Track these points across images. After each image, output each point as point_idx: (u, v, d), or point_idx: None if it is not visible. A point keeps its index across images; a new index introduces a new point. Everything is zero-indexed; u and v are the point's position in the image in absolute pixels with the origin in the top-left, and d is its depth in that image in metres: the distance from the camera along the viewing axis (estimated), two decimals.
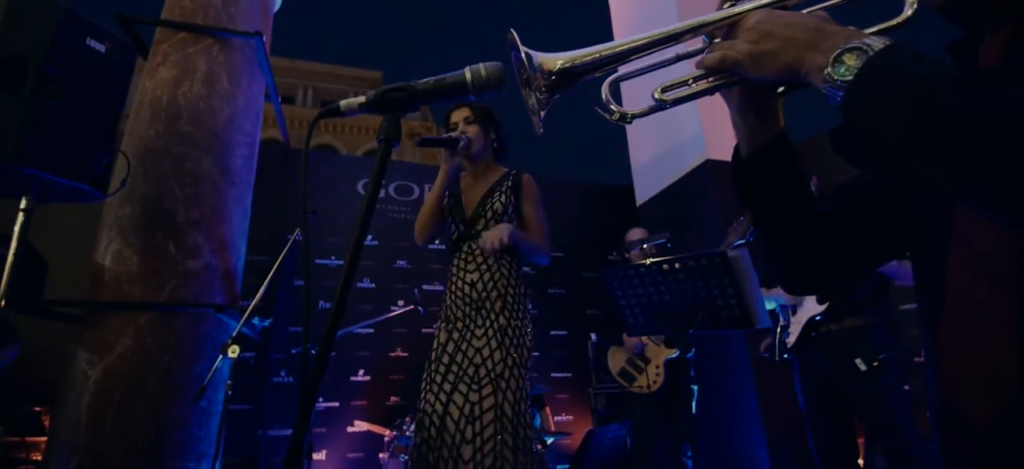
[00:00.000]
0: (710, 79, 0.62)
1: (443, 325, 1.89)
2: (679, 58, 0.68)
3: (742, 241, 2.57)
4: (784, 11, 0.58)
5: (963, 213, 0.57)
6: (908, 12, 0.56)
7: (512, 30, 0.62)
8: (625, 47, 0.62)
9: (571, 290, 4.79)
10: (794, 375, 2.42)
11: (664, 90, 0.63)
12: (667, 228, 3.20)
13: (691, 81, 0.63)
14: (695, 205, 3.86)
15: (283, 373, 3.85)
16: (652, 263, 1.87)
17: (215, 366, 2.03)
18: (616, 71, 0.64)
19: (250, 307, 2.20)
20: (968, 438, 0.54)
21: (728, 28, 0.60)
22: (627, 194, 4.88)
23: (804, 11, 0.59)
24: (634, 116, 0.64)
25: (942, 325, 0.58)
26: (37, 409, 2.92)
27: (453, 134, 1.91)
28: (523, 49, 0.60)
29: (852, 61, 0.48)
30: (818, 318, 2.30)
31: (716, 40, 0.63)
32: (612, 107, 0.63)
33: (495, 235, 1.80)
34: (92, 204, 2.43)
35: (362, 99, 0.63)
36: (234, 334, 2.11)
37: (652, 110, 0.64)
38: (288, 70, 21.17)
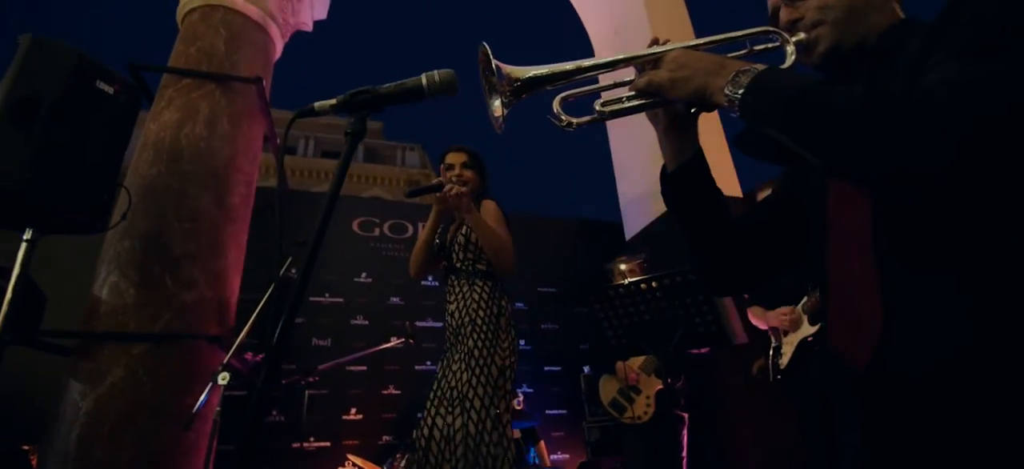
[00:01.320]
0: (639, 99, 0.78)
1: (441, 359, 2.00)
2: (616, 84, 0.83)
3: None
4: (695, 50, 0.75)
5: (834, 204, 0.72)
6: (789, 61, 0.76)
7: (484, 43, 0.76)
8: (573, 67, 0.77)
9: (563, 325, 4.81)
10: (790, 396, 2.43)
11: (603, 104, 0.79)
12: (656, 262, 3.27)
13: (625, 99, 0.79)
14: (681, 238, 3.94)
15: (275, 411, 3.83)
16: (631, 283, 1.94)
17: (205, 392, 2.05)
18: (564, 89, 0.78)
19: (241, 334, 2.24)
20: (853, 378, 0.67)
21: (654, 61, 0.77)
22: (616, 230, 4.97)
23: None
24: (578, 124, 0.78)
25: (830, 293, 0.73)
26: (26, 447, 2.90)
27: (441, 179, 2.04)
28: (494, 61, 0.75)
29: (745, 80, 0.66)
30: (810, 339, 2.35)
31: (645, 70, 0.78)
32: (562, 117, 0.77)
33: (456, 190, 1.88)
34: (92, 241, 2.52)
35: (333, 101, 0.72)
36: (224, 362, 2.15)
37: (593, 120, 0.79)
38: (286, 121, 21.75)
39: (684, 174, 0.83)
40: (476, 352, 1.81)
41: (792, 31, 0.77)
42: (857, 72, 0.75)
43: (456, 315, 1.94)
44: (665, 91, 0.73)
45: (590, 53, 5.65)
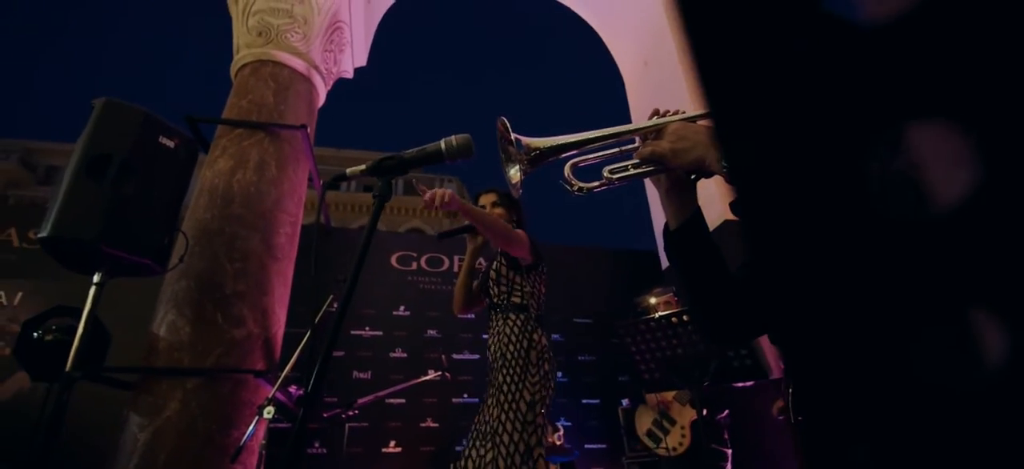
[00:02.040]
0: (643, 167, 0.85)
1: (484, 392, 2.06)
2: (621, 151, 0.91)
3: None
4: (694, 123, 0.83)
5: None
6: None
7: (503, 117, 0.84)
8: (584, 139, 0.85)
9: (600, 357, 4.74)
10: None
11: (612, 171, 0.86)
12: (677, 289, 3.21)
13: (630, 167, 0.86)
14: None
15: (317, 444, 3.93)
16: (662, 317, 1.92)
17: (252, 425, 2.15)
18: (575, 156, 0.86)
19: (284, 372, 2.35)
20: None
21: (656, 132, 0.84)
22: (652, 259, 4.91)
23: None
24: (589, 189, 0.86)
25: None
26: None
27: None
28: (513, 134, 0.83)
29: None
30: None
31: (648, 140, 0.85)
32: (573, 182, 0.85)
33: (436, 192, 1.84)
34: (151, 282, 2.72)
35: (362, 167, 0.79)
36: (270, 396, 2.25)
37: (601, 186, 0.86)
38: (334, 158, 22.79)
39: (685, 232, 0.89)
40: (505, 387, 1.84)
41: None
42: None
43: (492, 349, 2.00)
44: (667, 160, 0.80)
45: (621, 84, 5.71)
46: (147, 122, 2.14)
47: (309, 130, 3.41)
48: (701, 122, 0.82)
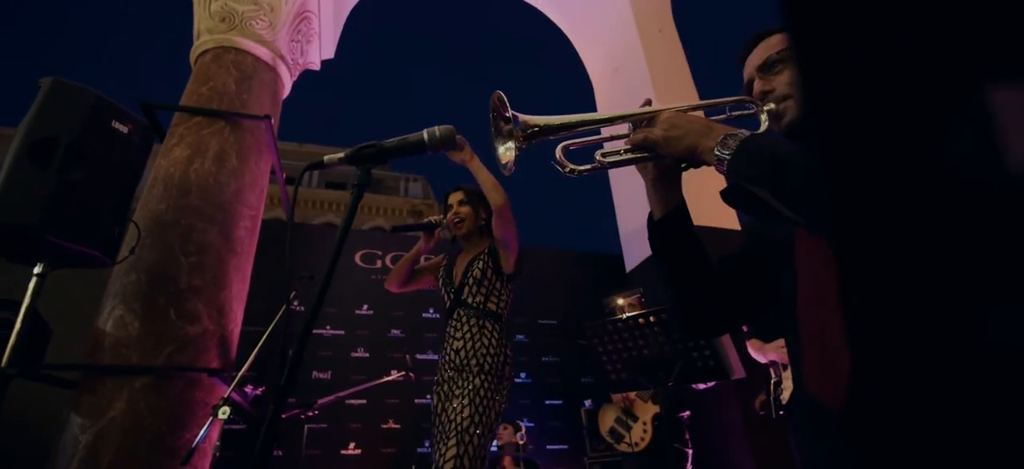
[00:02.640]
0: (634, 153, 0.86)
1: (435, 390, 2.02)
2: (613, 137, 0.93)
3: None
4: (686, 113, 0.84)
5: (802, 257, 0.79)
6: (763, 126, 0.86)
7: (499, 92, 0.83)
8: (578, 120, 0.85)
9: (564, 358, 4.79)
10: (791, 432, 2.42)
11: (603, 155, 0.87)
12: (655, 293, 3.29)
13: (622, 151, 0.87)
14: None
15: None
16: (628, 317, 1.96)
17: (205, 427, 2.06)
18: (568, 139, 0.85)
19: (241, 372, 2.26)
20: (824, 421, 0.72)
21: (648, 119, 0.85)
22: (617, 262, 5.01)
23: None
24: (580, 171, 0.85)
25: (802, 340, 0.78)
26: None
27: (431, 219, 2.19)
28: (511, 111, 0.81)
29: (733, 143, 0.74)
30: None
31: (641, 126, 0.86)
32: (566, 164, 0.84)
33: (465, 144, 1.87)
34: (98, 274, 2.57)
35: (341, 154, 0.77)
36: (225, 396, 2.16)
37: (592, 169, 0.86)
38: (296, 153, 22.10)
39: (670, 223, 0.90)
40: (483, 392, 1.84)
41: (764, 100, 0.86)
42: None
43: (462, 353, 1.94)
44: (659, 147, 0.81)
45: (590, 90, 5.80)
46: (99, 105, 2.02)
47: (273, 122, 3.30)
48: (694, 113, 0.83)
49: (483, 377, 1.88)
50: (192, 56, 3.39)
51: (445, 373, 1.98)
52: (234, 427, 3.55)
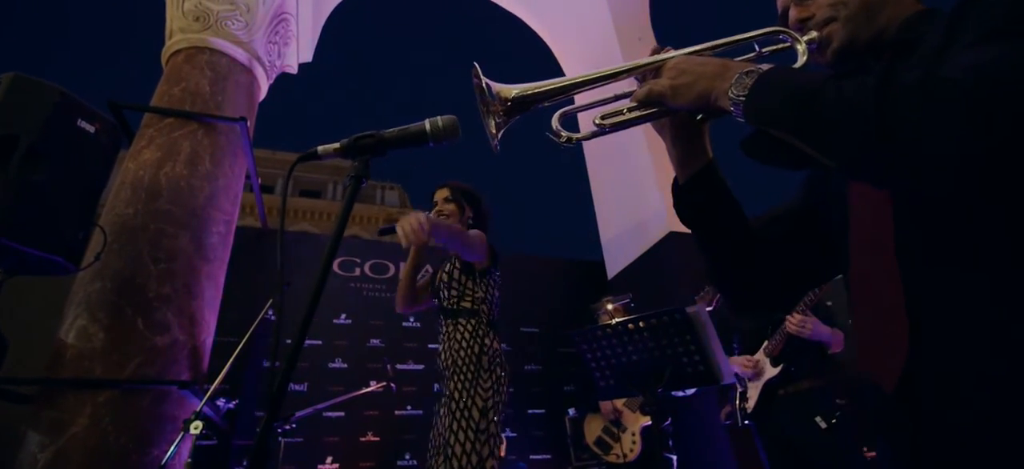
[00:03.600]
0: (640, 111, 0.73)
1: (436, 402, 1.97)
2: (617, 97, 0.78)
3: (710, 308, 2.68)
4: (698, 55, 0.71)
5: (855, 209, 0.68)
6: (802, 60, 0.72)
7: (475, 63, 0.72)
8: (569, 82, 0.72)
9: (547, 366, 4.76)
10: (755, 440, 2.45)
11: (603, 117, 0.73)
12: (638, 300, 3.29)
13: (625, 111, 0.73)
14: (661, 277, 4.01)
15: (245, 463, 3.64)
16: (618, 323, 1.94)
17: (175, 443, 1.95)
18: (562, 105, 0.74)
19: (214, 385, 2.15)
20: (885, 399, 0.62)
21: (655, 71, 0.72)
22: (599, 269, 5.02)
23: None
24: (578, 139, 0.74)
25: (855, 309, 0.68)
26: None
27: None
28: (484, 79, 0.70)
29: (748, 80, 0.62)
30: (774, 381, 2.38)
31: (646, 79, 0.73)
32: (562, 133, 0.72)
33: (407, 222, 1.66)
34: (62, 282, 2.42)
35: (336, 145, 0.73)
36: (197, 410, 2.05)
37: (593, 135, 0.74)
38: (269, 160, 21.60)
39: (696, 185, 0.78)
40: (457, 395, 1.79)
41: (803, 30, 0.73)
42: (873, 68, 0.69)
43: (442, 357, 1.93)
44: (667, 99, 0.69)
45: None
46: (63, 102, 1.91)
47: (248, 125, 3.20)
48: (705, 55, 0.70)
49: (457, 377, 1.83)
50: (164, 56, 3.27)
51: (441, 386, 1.95)
52: (206, 443, 3.40)
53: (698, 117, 0.75)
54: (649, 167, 4.20)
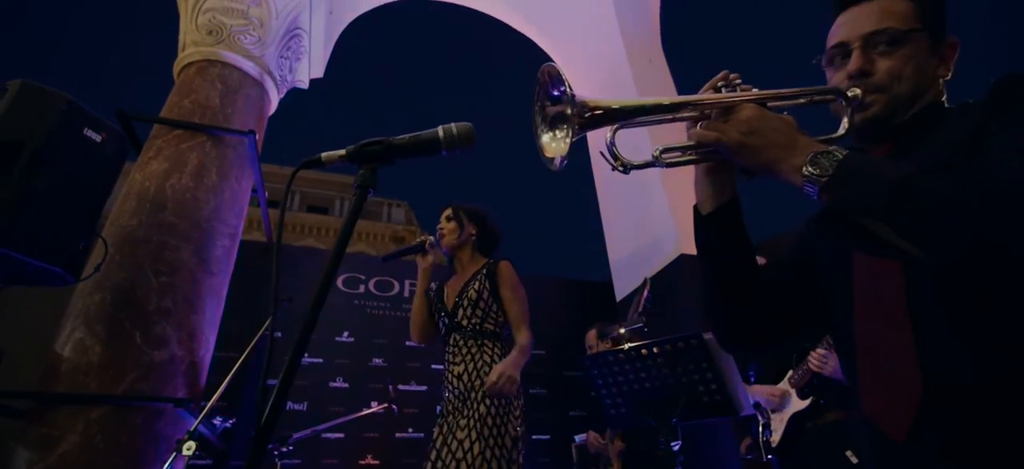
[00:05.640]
0: (700, 152, 0.72)
1: (438, 421, 1.89)
2: (658, 121, 0.75)
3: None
4: (769, 112, 0.70)
5: (862, 271, 0.71)
6: (842, 131, 0.73)
7: (552, 64, 0.69)
8: (647, 104, 0.70)
9: (553, 390, 4.64)
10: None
11: (663, 152, 0.72)
12: (646, 322, 3.20)
13: (685, 151, 0.72)
14: (672, 298, 3.92)
15: None
16: (631, 348, 1.86)
17: (167, 465, 1.87)
18: (620, 127, 0.70)
19: (210, 403, 2.08)
20: (892, 448, 0.65)
21: (720, 110, 0.70)
22: (607, 290, 4.93)
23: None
24: (634, 167, 0.71)
25: (860, 362, 0.71)
26: None
27: (419, 240, 2.10)
28: (568, 87, 0.67)
29: (826, 162, 0.63)
30: (802, 414, 2.27)
31: (711, 118, 0.71)
32: (619, 157, 0.70)
33: (494, 378, 1.78)
34: (59, 294, 2.38)
35: (342, 152, 0.68)
36: (191, 430, 1.98)
37: (647, 165, 0.72)
38: (278, 175, 21.76)
39: (720, 218, 0.79)
40: (490, 419, 1.71)
41: (855, 80, 0.74)
42: (871, 141, 0.77)
43: (465, 378, 1.84)
44: (733, 154, 0.68)
45: None
46: (70, 111, 1.89)
47: (257, 138, 3.18)
48: (779, 115, 0.70)
49: (489, 402, 1.77)
50: (175, 68, 3.28)
51: (449, 402, 1.87)
52: (200, 463, 3.31)
53: (746, 174, 0.74)
54: (660, 187, 4.14)
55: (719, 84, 0.73)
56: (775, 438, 2.32)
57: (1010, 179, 0.55)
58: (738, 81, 0.73)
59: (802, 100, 0.75)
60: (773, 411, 2.37)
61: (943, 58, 0.76)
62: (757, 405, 2.44)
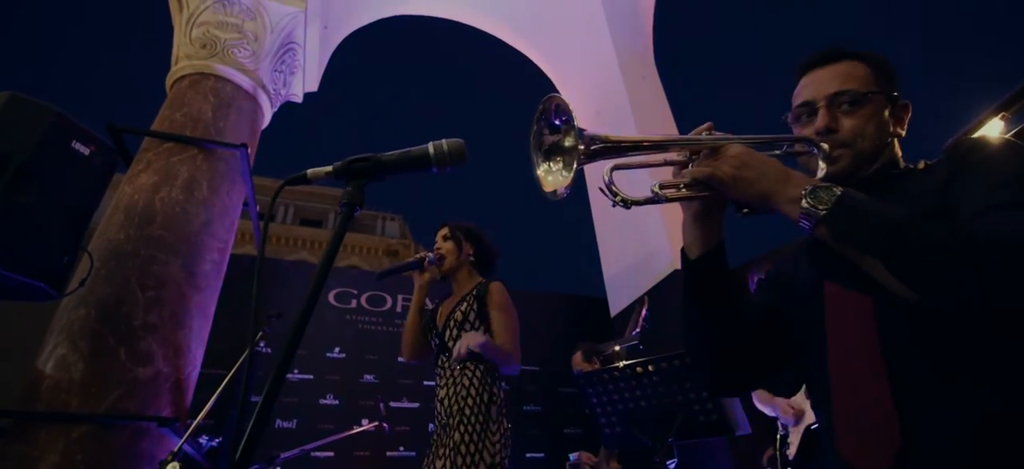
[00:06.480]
0: (695, 189, 0.74)
1: (430, 445, 1.85)
2: (666, 162, 0.80)
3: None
4: (755, 151, 0.73)
5: (833, 311, 0.73)
6: (821, 171, 0.77)
7: (558, 93, 0.70)
8: (641, 140, 0.73)
9: (547, 407, 4.59)
10: None
11: (662, 187, 0.74)
12: (640, 338, 3.18)
13: (681, 186, 0.75)
14: (666, 314, 3.90)
15: None
16: (626, 366, 1.84)
17: None
18: (615, 160, 0.72)
19: (196, 421, 2.03)
20: None
21: (711, 150, 0.73)
22: (602, 306, 4.91)
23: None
24: (634, 202, 0.72)
25: (835, 399, 0.71)
26: None
27: (416, 256, 2.05)
28: (576, 120, 0.68)
29: (825, 196, 0.65)
30: (815, 427, 2.26)
31: (700, 156, 0.75)
32: (619, 192, 0.71)
33: (463, 342, 1.80)
34: (43, 308, 2.33)
35: (329, 168, 0.66)
36: (175, 450, 1.93)
37: (648, 201, 0.73)
38: (271, 189, 21.72)
39: (708, 262, 0.81)
40: (462, 448, 1.66)
41: (822, 136, 0.78)
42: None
43: (445, 402, 1.80)
44: (726, 187, 0.71)
45: None
46: (58, 123, 1.86)
47: (249, 152, 3.16)
48: (766, 153, 0.74)
49: (464, 428, 1.72)
50: (168, 81, 3.26)
51: (436, 432, 1.84)
52: None
53: (744, 210, 0.76)
54: None
55: (703, 133, 0.77)
56: (791, 451, 2.31)
57: (993, 229, 0.57)
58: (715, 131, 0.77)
59: (778, 152, 0.79)
60: (790, 424, 2.37)
61: (899, 119, 0.82)
62: (778, 415, 2.44)
